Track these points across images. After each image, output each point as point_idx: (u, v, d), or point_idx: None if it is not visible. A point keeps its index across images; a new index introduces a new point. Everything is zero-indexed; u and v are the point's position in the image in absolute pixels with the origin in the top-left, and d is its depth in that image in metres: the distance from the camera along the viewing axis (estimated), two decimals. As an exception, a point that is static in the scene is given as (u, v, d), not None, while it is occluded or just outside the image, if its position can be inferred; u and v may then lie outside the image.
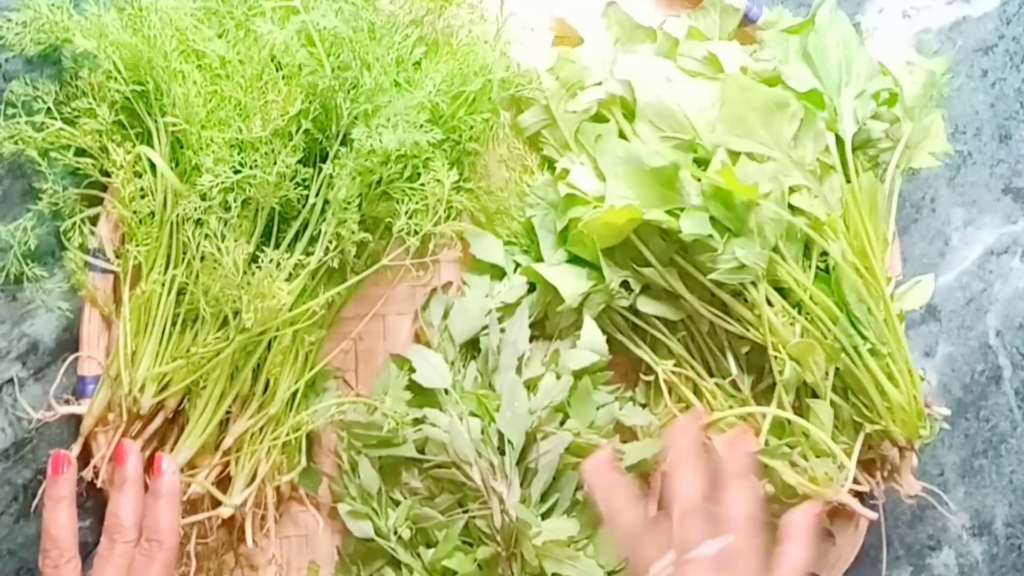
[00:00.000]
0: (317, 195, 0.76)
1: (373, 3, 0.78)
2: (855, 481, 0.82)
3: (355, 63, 0.74)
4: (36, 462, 0.79)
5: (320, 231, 0.76)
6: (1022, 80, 0.98)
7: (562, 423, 0.83)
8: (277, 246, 0.76)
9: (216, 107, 0.74)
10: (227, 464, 0.79)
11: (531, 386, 0.83)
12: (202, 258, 0.75)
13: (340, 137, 0.76)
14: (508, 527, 0.78)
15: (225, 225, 0.74)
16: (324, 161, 0.76)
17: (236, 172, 0.73)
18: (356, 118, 0.75)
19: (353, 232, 0.76)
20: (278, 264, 0.74)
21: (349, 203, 0.75)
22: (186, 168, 0.76)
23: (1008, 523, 0.98)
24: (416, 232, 0.77)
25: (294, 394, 0.80)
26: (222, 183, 0.73)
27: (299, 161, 0.75)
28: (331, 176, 0.75)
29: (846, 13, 0.85)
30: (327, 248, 0.76)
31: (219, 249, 0.73)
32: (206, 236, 0.74)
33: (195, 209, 0.74)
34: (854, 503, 0.79)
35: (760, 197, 0.77)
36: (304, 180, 0.76)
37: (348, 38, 0.73)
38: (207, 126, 0.74)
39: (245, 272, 0.73)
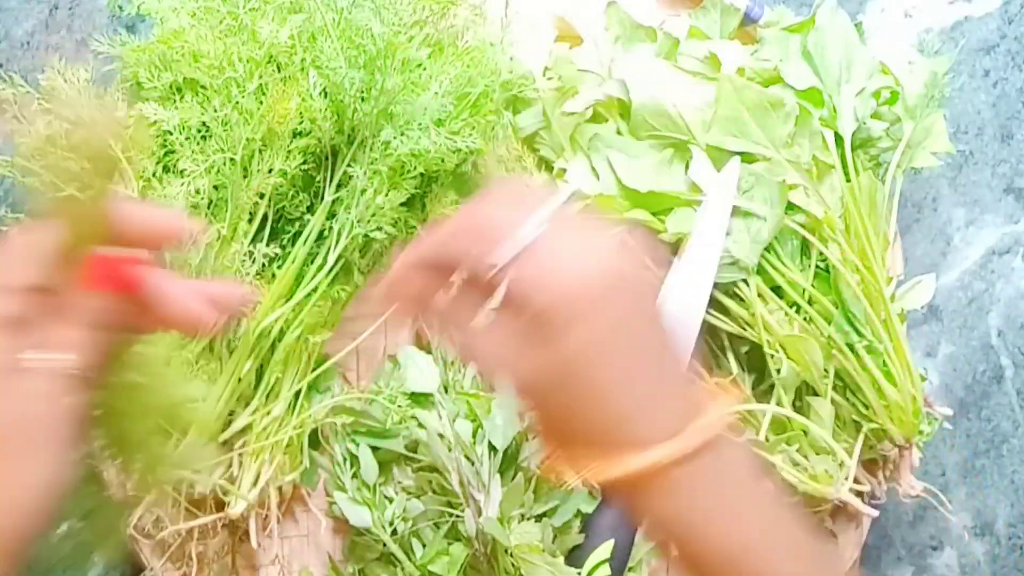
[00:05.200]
0: (335, 194, 0.76)
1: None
2: (856, 481, 0.82)
3: (381, 61, 0.74)
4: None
5: (331, 229, 0.76)
6: (1024, 80, 0.98)
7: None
8: (282, 248, 0.77)
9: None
10: (227, 467, 0.79)
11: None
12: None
13: (347, 137, 0.76)
14: (483, 533, 0.78)
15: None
16: (334, 159, 0.77)
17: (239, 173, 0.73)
18: (376, 119, 0.75)
19: (388, 232, 0.77)
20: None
21: (382, 207, 0.76)
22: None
23: (1010, 523, 0.98)
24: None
25: (297, 393, 0.80)
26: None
27: (303, 162, 0.75)
28: (350, 176, 0.75)
29: (848, 13, 0.85)
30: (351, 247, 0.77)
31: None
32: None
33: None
34: (855, 500, 0.79)
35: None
36: (315, 181, 0.76)
37: (372, 35, 0.73)
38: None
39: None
